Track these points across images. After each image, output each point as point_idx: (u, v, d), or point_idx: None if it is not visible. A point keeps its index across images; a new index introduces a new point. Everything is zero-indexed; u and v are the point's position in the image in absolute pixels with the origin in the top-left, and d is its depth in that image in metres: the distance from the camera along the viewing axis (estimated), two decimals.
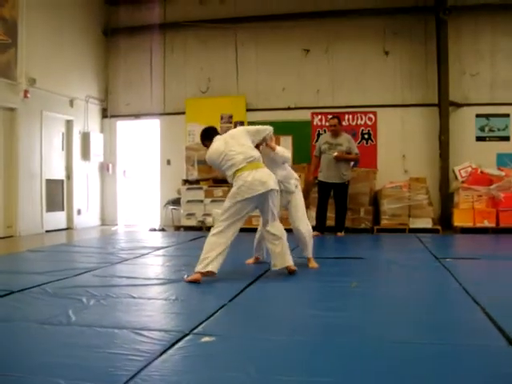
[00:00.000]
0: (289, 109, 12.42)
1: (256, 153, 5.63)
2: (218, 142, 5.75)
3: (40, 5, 11.17)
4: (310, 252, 6.32)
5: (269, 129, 6.05)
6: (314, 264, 6.26)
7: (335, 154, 9.78)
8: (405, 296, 4.78)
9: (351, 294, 4.82)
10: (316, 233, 9.79)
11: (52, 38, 11.60)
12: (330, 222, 10.25)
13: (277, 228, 5.66)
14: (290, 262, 5.68)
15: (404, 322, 3.85)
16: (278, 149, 6.15)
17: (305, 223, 6.35)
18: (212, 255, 5.29)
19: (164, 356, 3.03)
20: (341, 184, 9.97)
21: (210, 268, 5.25)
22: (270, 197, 5.51)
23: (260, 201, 5.50)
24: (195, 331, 3.47)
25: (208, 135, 5.98)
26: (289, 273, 5.67)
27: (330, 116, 10.88)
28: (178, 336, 3.36)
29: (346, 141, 10.03)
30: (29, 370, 2.87)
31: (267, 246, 5.81)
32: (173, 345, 3.21)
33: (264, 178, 5.41)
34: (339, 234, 10.01)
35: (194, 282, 5.19)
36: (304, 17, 12.35)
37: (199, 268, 5.28)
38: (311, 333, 3.57)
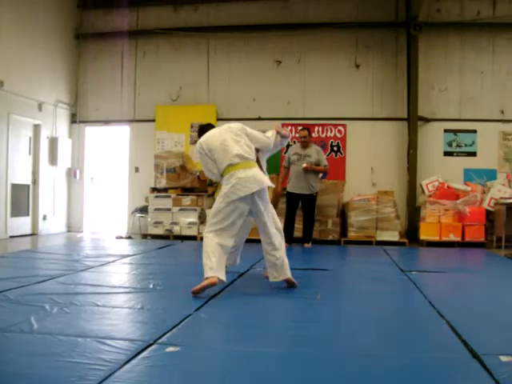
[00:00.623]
0: (259, 119, 12.43)
1: (252, 153, 5.39)
2: (213, 131, 5.58)
3: (9, 7, 11.03)
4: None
5: (271, 140, 5.75)
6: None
7: (304, 165, 9.81)
8: (370, 308, 4.79)
9: (316, 306, 4.81)
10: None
11: (22, 41, 11.45)
12: (298, 233, 10.26)
13: (276, 237, 5.44)
14: (289, 274, 5.43)
15: (368, 334, 3.85)
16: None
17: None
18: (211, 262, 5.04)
19: (128, 366, 2.99)
20: (309, 195, 9.97)
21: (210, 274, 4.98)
22: (264, 195, 5.32)
23: (253, 201, 5.23)
24: (160, 341, 3.42)
25: (207, 131, 5.73)
26: (288, 286, 5.47)
27: (300, 127, 10.91)
28: (142, 345, 3.31)
29: (315, 152, 10.05)
30: None
31: (265, 256, 5.47)
32: (137, 354, 3.16)
33: (258, 175, 5.21)
34: (306, 245, 10.01)
35: (209, 286, 4.94)
36: (277, 28, 12.44)
37: (209, 274, 4.98)
38: (275, 344, 3.55)
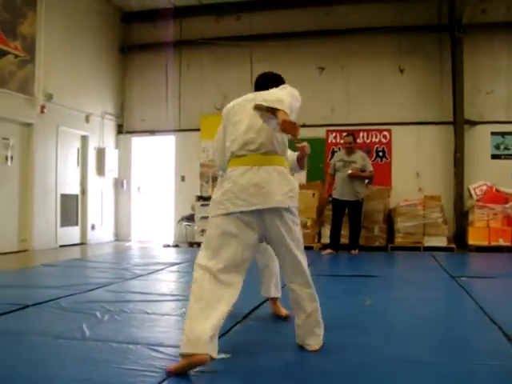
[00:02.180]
0: (303, 126, 12.37)
1: (276, 142, 3.46)
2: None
3: (58, 22, 11.31)
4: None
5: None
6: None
7: (349, 171, 9.76)
8: (420, 315, 4.73)
9: (365, 313, 4.78)
10: (330, 250, 9.80)
11: (69, 55, 11.72)
12: (344, 240, 10.21)
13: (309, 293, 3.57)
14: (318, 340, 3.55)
15: (420, 340, 3.81)
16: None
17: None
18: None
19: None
20: (355, 202, 9.92)
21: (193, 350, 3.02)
22: (280, 220, 3.33)
23: (262, 225, 3.34)
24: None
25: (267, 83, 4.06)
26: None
27: (344, 133, 10.86)
28: None
29: (360, 158, 10.00)
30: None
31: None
32: None
33: (268, 182, 3.29)
34: (353, 251, 9.93)
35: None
36: (319, 34, 12.43)
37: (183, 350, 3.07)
38: (325, 352, 3.52)
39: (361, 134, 12.13)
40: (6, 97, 9.92)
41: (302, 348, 3.51)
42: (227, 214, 3.27)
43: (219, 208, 3.31)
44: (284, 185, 3.33)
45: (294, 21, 12.60)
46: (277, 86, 3.80)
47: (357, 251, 9.97)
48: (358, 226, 10.11)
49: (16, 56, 10.26)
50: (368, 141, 12.21)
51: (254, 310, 4.69)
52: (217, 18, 13.21)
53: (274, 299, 4.57)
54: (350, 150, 10.07)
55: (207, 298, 3.13)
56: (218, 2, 12.84)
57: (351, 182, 9.84)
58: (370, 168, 10.05)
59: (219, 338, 3.18)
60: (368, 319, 4.51)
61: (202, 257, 3.32)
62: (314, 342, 3.49)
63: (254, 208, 3.24)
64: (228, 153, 3.46)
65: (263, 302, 4.87)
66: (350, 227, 10.09)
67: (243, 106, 3.53)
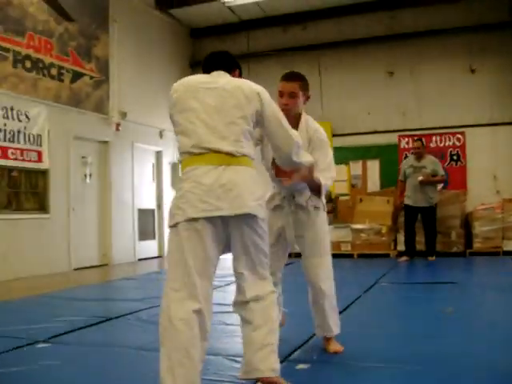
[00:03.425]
0: (375, 132, 12.33)
1: (248, 145, 2.88)
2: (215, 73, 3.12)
3: (129, 42, 11.67)
4: (332, 327, 3.80)
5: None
6: (336, 347, 3.76)
7: (420, 178, 9.59)
8: (504, 322, 4.61)
9: (447, 321, 4.69)
10: (405, 258, 9.65)
11: (141, 73, 12.05)
12: (420, 247, 10.04)
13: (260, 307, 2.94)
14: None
15: (507, 350, 3.71)
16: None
17: (330, 278, 3.91)
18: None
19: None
20: (428, 207, 9.75)
21: None
22: (248, 228, 2.80)
23: (224, 233, 2.82)
24: (290, 358, 3.46)
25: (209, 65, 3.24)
26: None
27: (416, 138, 10.69)
28: None
29: (430, 163, 9.82)
30: None
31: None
32: None
33: (238, 183, 2.75)
34: (430, 258, 9.76)
35: None
36: (386, 39, 12.34)
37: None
38: (406, 361, 3.47)
39: (433, 138, 11.94)
40: (83, 116, 10.29)
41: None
42: (187, 221, 2.68)
43: (176, 215, 2.71)
44: (255, 190, 2.81)
45: (360, 26, 12.55)
46: (228, 68, 3.23)
47: (434, 258, 9.78)
48: (434, 232, 9.92)
49: (91, 77, 10.64)
50: (441, 145, 11.99)
51: None
52: (283, 29, 13.31)
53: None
54: (419, 155, 9.89)
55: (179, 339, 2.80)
56: (284, 13, 12.94)
57: (423, 187, 9.67)
58: (442, 172, 9.86)
59: (300, 347, 3.18)
60: (450, 327, 4.42)
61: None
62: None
63: (216, 215, 2.69)
64: (183, 148, 2.83)
65: (344, 309, 4.85)
66: (425, 233, 9.92)
67: (197, 91, 2.89)
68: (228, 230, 2.79)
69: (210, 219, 2.69)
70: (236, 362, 3.43)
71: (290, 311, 5.16)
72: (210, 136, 2.76)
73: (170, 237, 2.78)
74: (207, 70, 3.12)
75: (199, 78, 3.00)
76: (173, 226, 2.73)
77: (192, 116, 2.81)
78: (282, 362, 3.35)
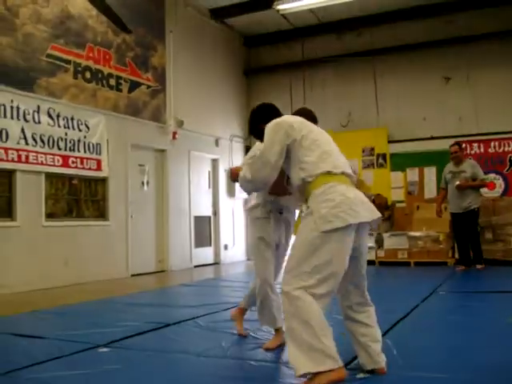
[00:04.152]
0: (431, 138, 12.15)
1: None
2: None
3: (185, 52, 11.84)
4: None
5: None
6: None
7: (457, 183, 9.29)
8: None
9: (509, 331, 4.56)
10: (462, 267, 9.37)
11: (197, 82, 12.20)
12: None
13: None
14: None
15: None
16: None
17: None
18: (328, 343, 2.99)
19: None
20: (469, 212, 9.32)
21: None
22: (366, 234, 3.35)
23: (356, 238, 3.18)
24: (349, 366, 3.42)
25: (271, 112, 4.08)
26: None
27: (474, 142, 10.46)
28: None
29: (469, 167, 9.43)
30: None
31: (357, 339, 3.41)
32: None
33: (364, 198, 3.27)
34: (478, 266, 9.33)
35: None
36: (442, 44, 12.13)
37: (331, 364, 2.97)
38: (467, 371, 3.38)
39: (492, 144, 11.69)
40: (141, 125, 10.46)
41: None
42: (345, 228, 3.02)
43: (334, 223, 3.00)
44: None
45: (415, 32, 12.39)
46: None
47: (482, 266, 9.35)
48: (476, 239, 9.44)
49: (148, 86, 10.82)
50: (500, 150, 11.72)
51: (392, 326, 4.62)
52: (337, 35, 13.27)
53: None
54: (457, 160, 9.54)
55: (318, 316, 3.03)
56: (338, 19, 12.90)
57: (462, 192, 9.33)
58: (482, 176, 9.47)
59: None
60: None
61: (298, 273, 3.06)
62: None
63: (364, 221, 3.10)
64: (314, 168, 3.21)
65: (402, 318, 4.80)
66: (470, 241, 9.48)
67: (319, 130, 3.54)
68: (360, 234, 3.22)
69: (353, 226, 3.07)
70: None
71: None
72: (339, 162, 3.32)
73: (319, 240, 3.02)
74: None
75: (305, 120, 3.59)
76: (328, 232, 3.00)
77: (326, 145, 3.38)
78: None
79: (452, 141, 11.57)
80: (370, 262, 10.84)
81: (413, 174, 12.40)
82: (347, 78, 13.13)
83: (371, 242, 11.20)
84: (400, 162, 12.40)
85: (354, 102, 12.99)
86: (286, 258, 3.39)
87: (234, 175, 3.73)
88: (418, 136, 12.26)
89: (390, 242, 11.10)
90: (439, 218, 9.95)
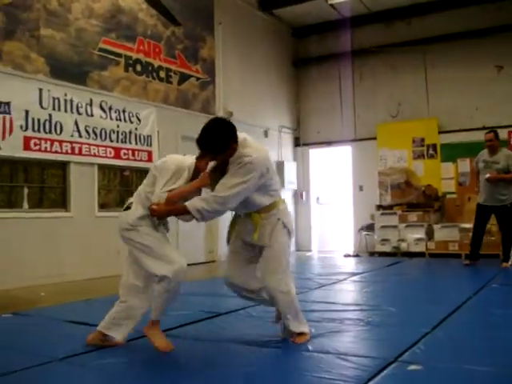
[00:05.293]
0: (484, 128, 11.87)
1: None
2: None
3: (233, 43, 11.87)
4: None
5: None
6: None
7: (487, 175, 8.53)
8: None
9: None
10: (467, 261, 8.97)
11: (246, 73, 12.23)
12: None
13: None
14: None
15: None
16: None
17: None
18: None
19: (371, 383, 3.01)
20: (502, 207, 8.57)
21: None
22: None
23: None
24: (401, 358, 3.40)
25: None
26: None
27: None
28: (383, 363, 3.31)
29: (504, 158, 8.60)
30: None
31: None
32: (379, 372, 3.17)
33: None
34: (505, 264, 8.70)
35: None
36: (494, 31, 11.82)
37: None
38: None
39: None
40: (191, 117, 10.54)
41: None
42: None
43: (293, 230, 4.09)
44: None
45: (466, 19, 12.12)
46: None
47: (509, 264, 8.71)
48: (509, 235, 8.72)
49: (198, 78, 10.90)
50: None
51: (444, 319, 4.57)
52: (387, 25, 13.09)
53: None
54: (492, 149, 8.72)
55: None
56: (388, 8, 12.72)
57: (495, 185, 8.53)
58: None
59: (410, 348, 3.12)
60: None
61: (288, 273, 4.02)
62: None
63: None
64: (274, 194, 3.88)
65: (454, 311, 4.76)
66: (501, 237, 8.89)
67: None
68: None
69: None
70: (347, 360, 3.42)
71: (398, 310, 5.10)
72: None
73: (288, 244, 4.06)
74: None
75: None
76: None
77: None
78: (392, 362, 3.33)
79: (505, 131, 11.32)
80: (420, 254, 10.84)
81: (464, 164, 12.16)
82: (397, 68, 12.96)
83: (421, 234, 11.09)
84: (451, 153, 12.20)
85: (403, 92, 12.82)
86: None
87: (158, 212, 3.70)
88: (470, 126, 12.02)
89: (440, 233, 10.96)
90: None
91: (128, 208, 3.91)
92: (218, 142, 3.61)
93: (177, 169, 3.73)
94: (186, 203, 3.58)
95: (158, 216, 3.74)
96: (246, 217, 3.92)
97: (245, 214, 3.93)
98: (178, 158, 3.88)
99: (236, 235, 4.07)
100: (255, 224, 3.84)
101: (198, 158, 3.82)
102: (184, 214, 3.66)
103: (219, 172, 3.72)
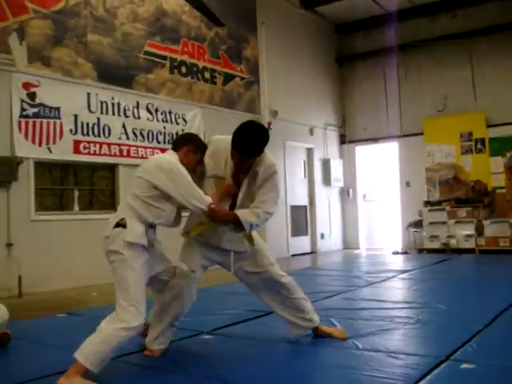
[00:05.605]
0: None
1: None
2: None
3: (277, 42, 11.89)
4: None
5: None
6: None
7: None
8: None
9: None
10: None
11: (289, 72, 12.23)
12: None
13: None
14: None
15: None
16: None
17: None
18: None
19: (423, 382, 2.97)
20: None
21: None
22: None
23: None
24: (453, 357, 3.36)
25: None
26: None
27: None
28: (435, 361, 3.27)
29: None
30: None
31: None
32: (430, 370, 3.13)
33: None
34: None
35: None
36: None
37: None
38: None
39: None
40: (236, 117, 10.56)
41: None
42: None
43: None
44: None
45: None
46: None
47: None
48: None
49: (242, 78, 10.96)
50: None
51: (496, 316, 4.51)
52: (431, 18, 12.88)
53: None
54: None
55: None
56: (432, 2, 12.52)
57: None
58: None
59: (462, 346, 3.08)
60: None
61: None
62: None
63: None
64: None
65: (505, 310, 4.68)
66: None
67: None
68: None
69: None
70: (397, 359, 3.40)
71: (448, 308, 5.04)
72: None
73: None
74: None
75: None
76: None
77: None
78: (444, 360, 3.29)
79: None
80: (470, 251, 10.67)
81: None
82: (442, 62, 12.75)
83: (471, 230, 10.91)
84: (500, 147, 11.94)
85: (449, 86, 12.61)
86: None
87: (220, 214, 3.55)
88: None
89: (490, 229, 10.76)
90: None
91: (120, 225, 3.39)
92: (258, 145, 3.57)
93: (182, 167, 3.54)
94: (239, 215, 3.54)
95: (218, 219, 3.54)
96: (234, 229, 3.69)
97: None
98: (166, 157, 3.67)
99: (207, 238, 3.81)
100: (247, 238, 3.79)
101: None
102: (233, 223, 3.57)
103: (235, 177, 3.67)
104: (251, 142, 3.53)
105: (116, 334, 3.17)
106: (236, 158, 3.57)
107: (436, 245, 11.32)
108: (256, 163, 3.64)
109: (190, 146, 3.70)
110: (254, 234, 3.89)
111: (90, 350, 3.11)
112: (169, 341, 3.85)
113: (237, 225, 3.55)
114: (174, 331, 3.89)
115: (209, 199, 3.48)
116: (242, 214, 3.55)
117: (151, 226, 3.52)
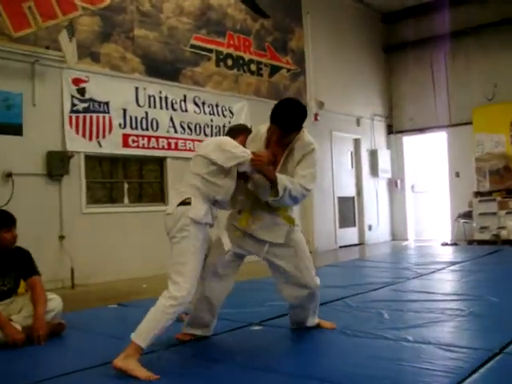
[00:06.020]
0: None
1: None
2: None
3: (322, 32, 11.83)
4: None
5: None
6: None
7: None
8: None
9: None
10: None
11: (335, 62, 12.16)
12: None
13: None
14: None
15: None
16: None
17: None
18: None
19: (476, 375, 2.92)
20: None
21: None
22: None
23: None
24: (506, 350, 3.31)
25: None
26: None
27: None
28: (487, 354, 3.22)
29: None
30: (344, 379, 3.00)
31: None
32: (483, 364, 3.08)
33: None
34: None
35: None
36: None
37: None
38: None
39: None
40: None
41: None
42: None
43: None
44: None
45: None
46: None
47: None
48: None
49: (288, 70, 10.94)
50: None
51: None
52: (481, 4, 12.57)
53: None
54: None
55: None
56: None
57: None
58: None
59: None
60: None
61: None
62: None
63: None
64: None
65: None
66: None
67: None
68: None
69: None
70: (450, 351, 3.35)
71: (501, 300, 4.96)
72: None
73: None
74: None
75: None
76: None
77: None
78: (497, 353, 3.24)
79: None
80: None
81: None
82: (491, 49, 12.47)
83: None
84: None
85: (499, 73, 12.32)
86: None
87: (264, 160, 3.51)
88: None
89: None
90: None
91: (185, 203, 3.50)
92: (297, 120, 3.60)
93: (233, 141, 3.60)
94: (277, 174, 3.51)
95: (261, 166, 3.48)
96: (268, 213, 3.72)
97: (267, 209, 3.71)
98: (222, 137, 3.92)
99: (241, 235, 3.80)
100: (286, 220, 3.76)
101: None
102: (270, 181, 3.50)
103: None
104: (290, 116, 3.58)
105: (166, 311, 3.29)
106: (276, 133, 3.61)
107: (486, 236, 11.13)
108: (294, 141, 3.65)
109: (246, 135, 3.81)
110: (298, 231, 3.86)
111: (143, 329, 3.26)
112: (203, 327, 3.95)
113: (272, 184, 3.50)
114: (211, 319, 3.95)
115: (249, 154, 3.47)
116: (279, 176, 3.51)
117: (213, 204, 3.61)
